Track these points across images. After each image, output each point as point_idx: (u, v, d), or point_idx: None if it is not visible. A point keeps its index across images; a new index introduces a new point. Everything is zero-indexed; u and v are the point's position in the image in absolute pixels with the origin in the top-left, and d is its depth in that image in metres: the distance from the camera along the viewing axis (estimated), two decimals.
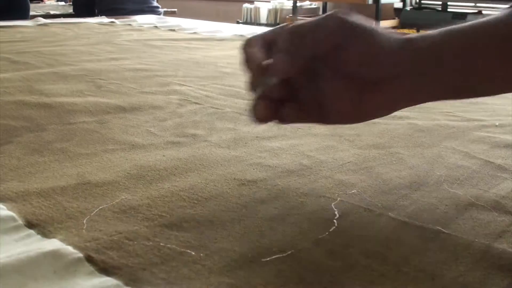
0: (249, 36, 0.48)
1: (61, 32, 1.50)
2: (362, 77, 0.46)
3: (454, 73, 0.46)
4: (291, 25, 0.45)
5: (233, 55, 1.20)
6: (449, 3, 4.61)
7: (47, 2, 4.13)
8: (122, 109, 0.70)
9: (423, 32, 0.47)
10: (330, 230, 0.39)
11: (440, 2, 4.74)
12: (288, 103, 0.47)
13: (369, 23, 0.46)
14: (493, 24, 0.47)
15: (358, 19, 0.45)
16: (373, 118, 0.50)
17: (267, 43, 0.48)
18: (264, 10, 5.35)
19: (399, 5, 5.08)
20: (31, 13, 2.68)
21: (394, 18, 5.03)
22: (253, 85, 0.46)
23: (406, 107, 0.49)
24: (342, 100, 0.47)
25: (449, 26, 0.47)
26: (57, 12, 3.06)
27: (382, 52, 0.45)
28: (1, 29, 1.51)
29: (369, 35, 0.45)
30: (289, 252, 0.35)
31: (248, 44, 0.48)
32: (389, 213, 0.42)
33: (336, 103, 0.47)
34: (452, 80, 0.47)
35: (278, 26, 0.49)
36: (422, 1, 5.07)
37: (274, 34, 0.48)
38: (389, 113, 0.49)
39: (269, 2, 5.52)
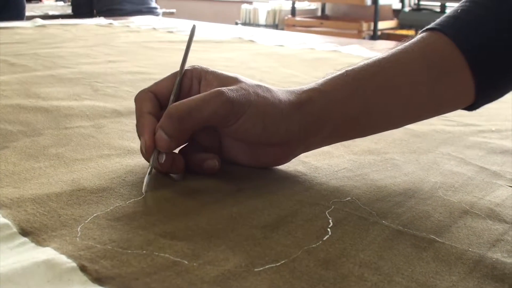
0: (141, 89, 0.51)
1: (59, 34, 1.50)
2: (254, 141, 0.49)
3: (341, 131, 0.51)
4: (170, 107, 0.47)
5: (231, 57, 1.21)
6: (447, 4, 4.61)
7: (46, 2, 4.13)
8: (118, 113, 0.70)
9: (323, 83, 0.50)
10: (324, 238, 0.39)
11: (439, 3, 4.75)
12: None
13: (260, 90, 0.48)
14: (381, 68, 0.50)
15: (246, 91, 0.47)
16: (282, 164, 0.53)
17: (157, 97, 0.50)
18: (262, 11, 5.35)
19: (397, 6, 5.08)
20: (30, 13, 2.68)
21: (392, 19, 5.04)
22: (145, 157, 0.48)
23: (304, 153, 0.53)
24: (239, 155, 0.51)
25: (343, 73, 0.50)
26: (56, 13, 3.06)
27: (271, 122, 0.47)
28: None
29: (257, 109, 0.47)
30: (282, 262, 0.35)
31: (138, 98, 0.50)
32: (383, 221, 0.42)
33: (234, 157, 0.52)
34: (340, 136, 0.52)
35: (171, 75, 0.51)
36: (421, 2, 5.07)
37: (163, 89, 0.50)
38: (290, 160, 0.52)
39: (268, 3, 5.52)
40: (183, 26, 1.78)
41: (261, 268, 0.34)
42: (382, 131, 0.55)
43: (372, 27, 4.74)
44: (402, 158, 0.57)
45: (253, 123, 0.46)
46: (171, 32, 1.64)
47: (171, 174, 0.49)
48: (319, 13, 5.49)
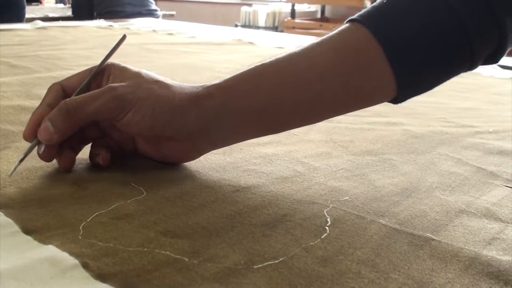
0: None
1: (60, 36, 1.51)
2: (148, 135, 0.50)
3: (248, 127, 0.50)
4: (62, 101, 0.48)
5: (231, 59, 1.21)
6: None
7: (46, 5, 4.14)
8: None
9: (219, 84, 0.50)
10: (322, 237, 0.39)
11: None
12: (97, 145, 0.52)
13: (155, 86, 0.49)
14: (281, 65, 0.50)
15: (137, 87, 0.48)
16: (190, 160, 0.53)
17: (65, 90, 0.51)
18: (262, 13, 5.36)
19: None
20: (30, 15, 2.69)
21: None
22: (24, 138, 0.49)
23: (212, 150, 0.53)
24: (149, 151, 0.52)
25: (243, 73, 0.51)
26: (56, 15, 3.06)
27: (161, 116, 0.48)
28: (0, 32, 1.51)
29: (146, 103, 0.48)
30: (281, 259, 0.36)
31: (48, 89, 0.51)
32: (381, 220, 0.43)
33: (146, 152, 0.53)
34: (249, 132, 0.51)
35: (85, 70, 0.53)
36: None
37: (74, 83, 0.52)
38: (199, 156, 0.53)
39: (267, 5, 5.53)
40: (183, 28, 1.79)
41: (260, 265, 0.35)
42: (298, 127, 0.53)
43: None
44: (399, 159, 0.57)
45: (142, 116, 0.47)
46: (171, 34, 1.65)
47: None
48: (318, 15, 5.50)
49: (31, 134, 0.48)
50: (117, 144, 0.52)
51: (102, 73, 0.52)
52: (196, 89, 0.49)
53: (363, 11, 0.50)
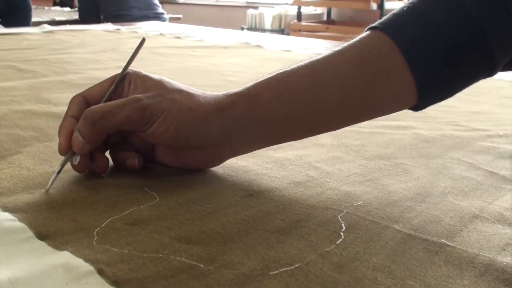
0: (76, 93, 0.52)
1: (67, 40, 1.51)
2: (172, 145, 0.50)
3: (270, 134, 0.50)
4: (86, 110, 0.48)
5: (238, 63, 1.21)
6: None
7: (52, 8, 4.15)
8: None
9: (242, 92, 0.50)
10: (337, 242, 0.39)
11: None
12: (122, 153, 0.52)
13: (178, 96, 0.48)
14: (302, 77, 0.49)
15: (162, 98, 0.48)
16: (210, 167, 0.53)
17: (88, 101, 0.51)
18: (268, 16, 5.36)
19: None
20: (37, 19, 2.70)
21: None
22: (61, 152, 0.49)
23: (233, 157, 0.53)
24: (168, 158, 0.53)
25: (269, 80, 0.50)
26: (63, 19, 3.07)
27: (185, 126, 0.48)
28: (7, 36, 1.52)
29: (170, 114, 0.48)
30: (297, 265, 0.36)
31: (70, 101, 0.51)
32: (395, 226, 0.42)
33: (165, 159, 0.53)
34: (271, 139, 0.51)
35: (105, 80, 0.52)
36: None
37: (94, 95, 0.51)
38: (219, 164, 0.53)
39: (273, 8, 5.53)
40: (190, 31, 1.79)
41: (276, 272, 0.35)
42: (319, 133, 0.53)
43: None
44: (412, 163, 0.57)
45: (166, 128, 0.47)
46: (179, 37, 1.65)
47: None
48: (324, 18, 5.49)
49: (66, 148, 0.48)
50: (135, 149, 0.52)
51: (122, 81, 0.51)
52: (218, 98, 0.49)
53: (383, 18, 0.50)
